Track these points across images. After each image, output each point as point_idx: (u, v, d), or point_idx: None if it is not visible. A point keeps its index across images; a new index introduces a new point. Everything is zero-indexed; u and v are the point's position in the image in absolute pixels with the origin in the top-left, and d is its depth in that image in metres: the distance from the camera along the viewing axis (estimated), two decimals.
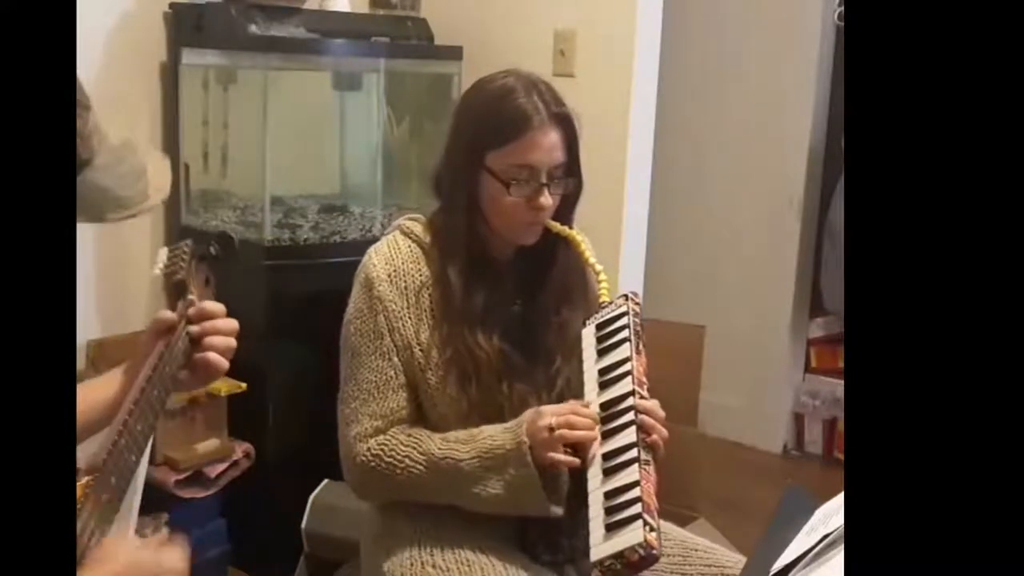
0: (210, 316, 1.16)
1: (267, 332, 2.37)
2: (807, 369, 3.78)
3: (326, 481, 2.16)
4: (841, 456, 3.59)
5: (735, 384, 3.71)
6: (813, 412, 3.73)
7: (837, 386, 3.62)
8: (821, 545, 1.06)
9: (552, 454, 1.42)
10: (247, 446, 2.40)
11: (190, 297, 1.15)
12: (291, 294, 2.36)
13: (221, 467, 2.36)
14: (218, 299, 1.20)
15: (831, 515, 1.11)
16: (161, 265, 1.16)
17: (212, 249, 1.22)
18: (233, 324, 1.18)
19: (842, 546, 1.03)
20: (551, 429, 1.42)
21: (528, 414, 1.47)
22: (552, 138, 1.51)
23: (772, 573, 1.08)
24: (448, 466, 1.48)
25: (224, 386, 2.28)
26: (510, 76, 1.55)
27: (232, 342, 1.17)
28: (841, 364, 3.63)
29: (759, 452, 3.77)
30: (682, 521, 1.96)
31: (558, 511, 1.47)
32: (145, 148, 0.97)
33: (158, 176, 0.97)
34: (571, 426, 1.42)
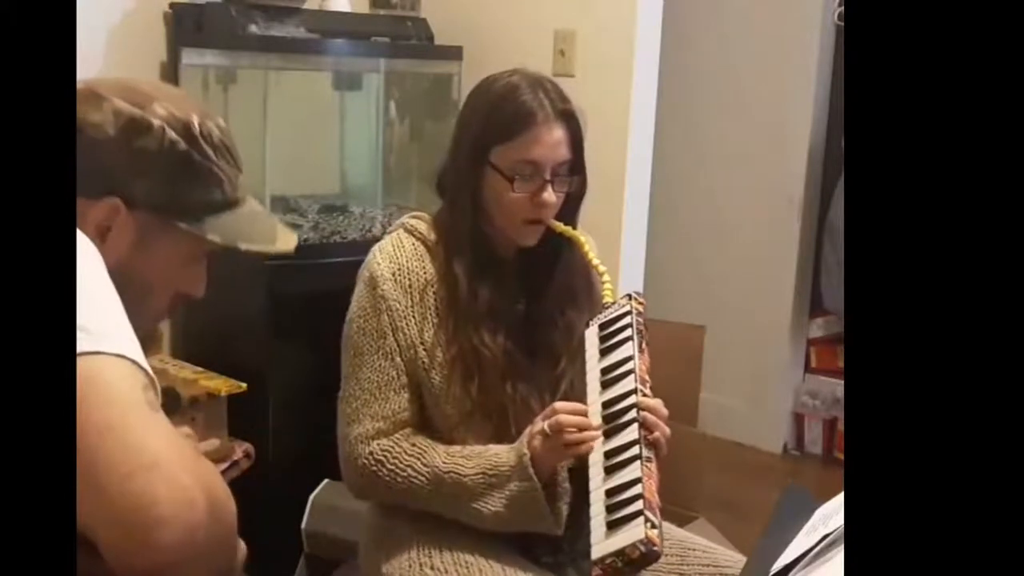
0: None
1: (267, 332, 2.37)
2: (807, 369, 3.78)
3: (326, 481, 2.16)
4: (841, 456, 3.59)
5: (735, 384, 3.71)
6: (813, 412, 3.73)
7: (837, 386, 3.62)
8: (821, 545, 1.06)
9: (554, 454, 1.42)
10: (247, 446, 2.39)
11: None
12: (291, 294, 2.35)
13: (221, 467, 2.32)
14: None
15: (831, 515, 1.11)
16: None
17: None
18: None
19: (842, 546, 1.03)
20: (544, 434, 1.42)
21: (527, 430, 1.46)
22: (557, 134, 1.51)
23: (772, 573, 1.08)
24: (452, 480, 1.48)
25: (224, 386, 2.27)
26: (516, 74, 1.56)
27: None
28: (841, 364, 3.63)
29: (759, 452, 3.78)
30: (682, 521, 1.96)
31: (557, 531, 1.47)
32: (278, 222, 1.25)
33: (285, 237, 1.22)
34: (564, 424, 1.41)
